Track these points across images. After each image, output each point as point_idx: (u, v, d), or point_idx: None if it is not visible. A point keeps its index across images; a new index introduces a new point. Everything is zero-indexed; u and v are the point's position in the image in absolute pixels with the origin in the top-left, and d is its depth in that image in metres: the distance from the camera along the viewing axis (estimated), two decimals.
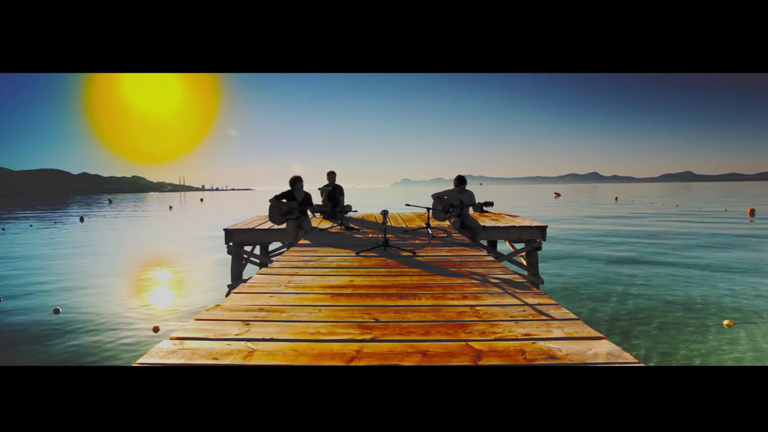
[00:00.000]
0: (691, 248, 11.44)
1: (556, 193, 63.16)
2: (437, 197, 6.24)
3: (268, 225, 6.43)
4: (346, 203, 7.21)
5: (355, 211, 6.98)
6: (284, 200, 6.05)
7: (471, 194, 6.18)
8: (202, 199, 70.61)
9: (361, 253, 4.26)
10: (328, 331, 2.07)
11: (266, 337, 1.98)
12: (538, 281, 6.31)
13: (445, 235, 5.52)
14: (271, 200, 6.09)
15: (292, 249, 4.67)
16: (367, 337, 1.99)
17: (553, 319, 2.20)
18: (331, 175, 7.45)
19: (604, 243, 12.65)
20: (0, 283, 8.34)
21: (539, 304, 2.45)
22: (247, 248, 6.67)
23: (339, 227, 6.30)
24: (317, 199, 7.01)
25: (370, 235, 5.58)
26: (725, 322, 5.51)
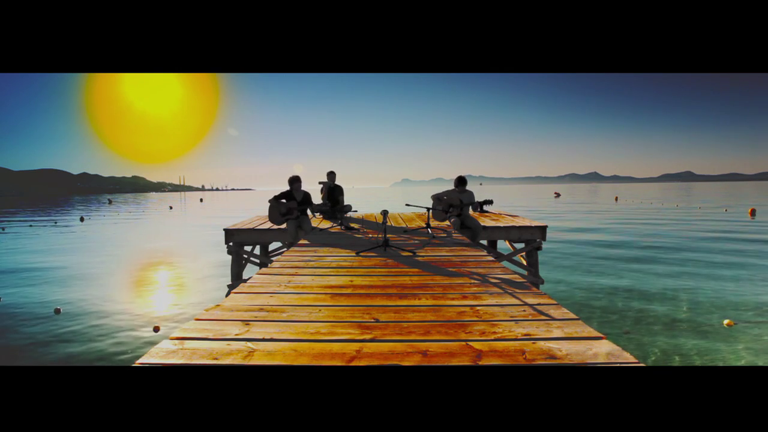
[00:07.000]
0: (692, 248, 11.44)
1: (556, 193, 63.15)
2: (437, 197, 6.24)
3: (268, 225, 6.43)
4: (346, 203, 7.21)
5: (355, 211, 6.98)
6: (283, 200, 6.05)
7: (471, 194, 6.18)
8: (201, 199, 70.61)
9: (361, 253, 4.25)
10: (328, 331, 2.07)
11: (266, 337, 1.98)
12: (538, 281, 6.31)
13: (445, 235, 5.51)
14: (270, 201, 6.09)
15: (292, 249, 4.67)
16: (367, 337, 1.99)
17: (553, 319, 2.20)
18: (331, 175, 7.45)
19: (603, 243, 12.64)
20: (0, 282, 8.35)
21: (539, 304, 2.45)
22: (247, 248, 6.66)
23: (339, 227, 6.30)
24: (317, 198, 7.00)
25: (370, 235, 5.58)
26: (725, 321, 5.51)
